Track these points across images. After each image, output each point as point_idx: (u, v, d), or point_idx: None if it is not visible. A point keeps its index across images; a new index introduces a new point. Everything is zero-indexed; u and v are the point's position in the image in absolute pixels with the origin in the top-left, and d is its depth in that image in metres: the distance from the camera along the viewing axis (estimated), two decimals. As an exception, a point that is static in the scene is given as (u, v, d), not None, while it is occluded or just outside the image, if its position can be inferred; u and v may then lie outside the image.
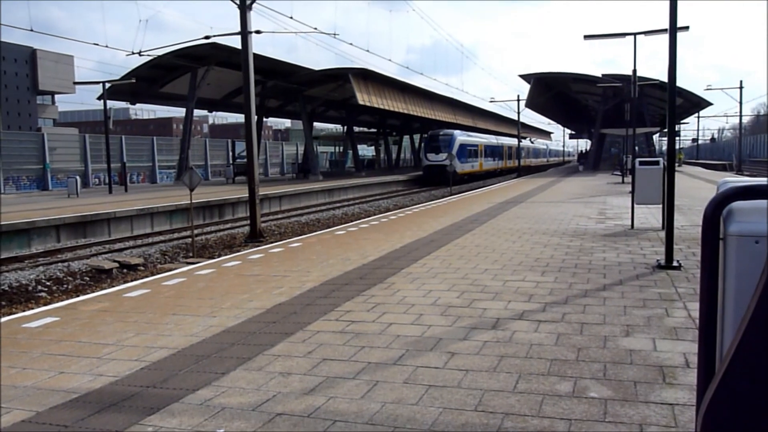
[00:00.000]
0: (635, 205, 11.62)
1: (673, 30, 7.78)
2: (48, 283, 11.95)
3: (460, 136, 45.02)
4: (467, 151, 45.81)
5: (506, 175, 54.04)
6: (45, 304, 8.89)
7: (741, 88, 51.75)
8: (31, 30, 22.27)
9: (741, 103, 52.33)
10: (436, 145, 43.72)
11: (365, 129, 64.50)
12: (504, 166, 59.13)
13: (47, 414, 3.68)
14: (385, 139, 64.68)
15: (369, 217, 18.33)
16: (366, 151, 73.60)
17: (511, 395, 3.74)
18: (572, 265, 8.05)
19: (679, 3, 7.77)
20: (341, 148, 65.26)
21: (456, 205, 18.17)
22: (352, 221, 17.98)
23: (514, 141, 62.84)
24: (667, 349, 4.53)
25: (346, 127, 57.47)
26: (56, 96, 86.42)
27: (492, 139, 56.32)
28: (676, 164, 47.85)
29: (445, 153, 41.36)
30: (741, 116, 55.69)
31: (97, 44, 31.78)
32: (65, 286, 11.90)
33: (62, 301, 7.52)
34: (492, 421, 3.39)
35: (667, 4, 7.79)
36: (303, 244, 10.80)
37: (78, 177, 28.18)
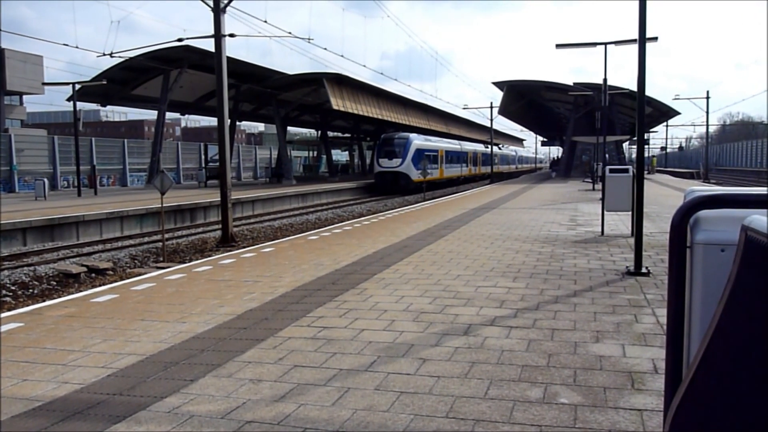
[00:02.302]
0: (605, 212, 11.77)
1: (643, 41, 7.92)
2: (13, 288, 11.69)
3: (417, 140, 41.22)
4: (425, 157, 40.74)
5: (470, 183, 50.88)
6: (9, 309, 8.69)
7: (708, 98, 52.87)
8: (-1, 29, 21.80)
9: (708, 112, 53.49)
10: (390, 149, 39.78)
11: (339, 134, 64.43)
12: (468, 173, 54.79)
13: (9, 423, 3.59)
14: (359, 144, 64.65)
15: (342, 222, 18.29)
16: (340, 156, 73.48)
17: (482, 401, 3.75)
18: (543, 271, 8.11)
19: (648, 14, 7.91)
20: (315, 152, 65.11)
21: (429, 211, 18.22)
22: (325, 226, 17.93)
23: (479, 147, 60.66)
24: (636, 355, 4.59)
25: (320, 132, 57.34)
26: (24, 96, 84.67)
27: (454, 144, 52.22)
28: (648, 170, 48.21)
29: (399, 159, 38.60)
30: (708, 125, 56.94)
31: (67, 45, 31.35)
32: (31, 290, 11.65)
33: (27, 306, 7.36)
34: (463, 427, 3.39)
35: (636, 14, 7.92)
36: (275, 249, 10.73)
37: (46, 179, 27.67)
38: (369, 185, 41.04)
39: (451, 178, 48.69)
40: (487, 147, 60.89)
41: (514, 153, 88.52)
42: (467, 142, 59.18)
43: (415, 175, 38.60)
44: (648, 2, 7.88)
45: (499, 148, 75.42)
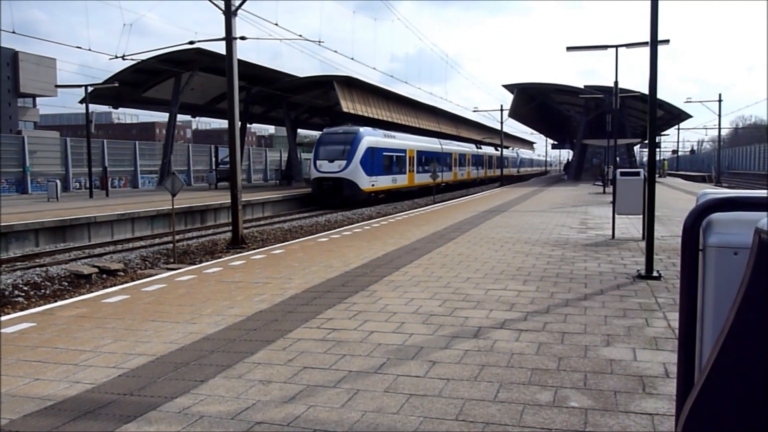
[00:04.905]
0: (616, 216, 11.72)
1: (654, 43, 7.88)
2: (25, 288, 11.77)
3: (370, 136, 31.19)
4: (383, 159, 32.26)
5: (455, 191, 43.54)
6: (22, 310, 8.76)
7: (720, 101, 52.47)
8: (13, 32, 22.06)
9: (720, 115, 53.07)
10: (331, 148, 30.28)
11: (349, 136, 64.24)
12: (453, 178, 45.43)
13: (21, 422, 3.61)
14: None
15: (352, 224, 18.31)
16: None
17: (492, 404, 3.74)
18: (554, 274, 8.08)
19: (659, 16, 7.88)
20: (325, 155, 64.87)
21: (439, 214, 18.21)
22: (335, 228, 17.95)
23: (469, 147, 53.45)
24: (647, 359, 4.56)
25: (329, 134, 57.26)
26: (38, 99, 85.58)
27: (432, 144, 42.45)
28: (659, 174, 47.59)
29: (343, 160, 29.53)
30: (720, 129, 56.45)
31: (80, 47, 31.54)
32: (43, 291, 11.73)
33: (39, 306, 7.41)
34: (473, 430, 3.39)
35: (648, 17, 7.89)
36: (285, 251, 10.75)
37: (58, 181, 27.86)
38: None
39: (427, 185, 37.35)
40: (480, 147, 57.04)
41: (515, 155, 77.74)
42: (453, 141, 51.04)
43: (366, 182, 30.16)
44: (659, 4, 7.84)
45: (496, 149, 64.79)
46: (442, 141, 45.79)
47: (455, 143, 50.27)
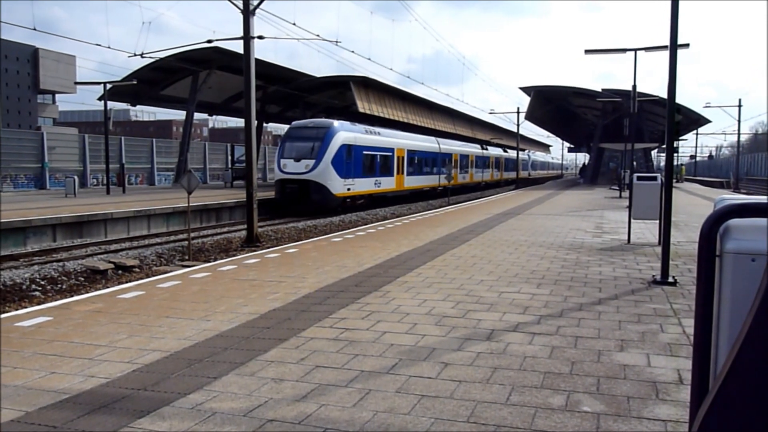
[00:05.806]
0: (632, 220, 11.63)
1: (674, 47, 7.82)
2: (42, 283, 11.90)
3: (345, 132, 26.61)
4: (363, 159, 27.91)
5: (455, 195, 37.99)
6: (38, 304, 8.86)
7: (740, 106, 51.98)
8: (34, 29, 22.34)
9: (739, 121, 52.60)
10: (298, 144, 26.07)
11: (365, 137, 64.08)
12: (453, 182, 36.36)
13: (37, 414, 3.66)
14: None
15: (366, 224, 18.33)
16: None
17: (504, 407, 3.73)
18: (568, 278, 8.04)
19: (679, 19, 7.81)
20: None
21: (453, 215, 18.17)
22: (348, 228, 17.97)
23: (474, 147, 49.63)
24: (661, 365, 4.53)
25: (345, 135, 57.10)
26: (57, 95, 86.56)
27: (427, 142, 37.47)
28: (676, 179, 47.11)
29: (312, 160, 25.33)
30: (739, 134, 55.99)
31: (99, 45, 32.00)
32: (59, 285, 11.86)
33: (56, 300, 7.49)
34: (484, 432, 3.38)
35: (667, 21, 7.83)
36: (299, 250, 10.78)
37: (76, 177, 28.17)
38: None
39: (420, 189, 34.72)
40: (486, 148, 54.04)
41: (526, 157, 74.46)
42: (455, 141, 46.78)
43: (339, 186, 25.85)
44: (679, 6, 7.77)
45: (505, 151, 61.40)
46: (441, 140, 41.27)
47: (456, 143, 46.26)
